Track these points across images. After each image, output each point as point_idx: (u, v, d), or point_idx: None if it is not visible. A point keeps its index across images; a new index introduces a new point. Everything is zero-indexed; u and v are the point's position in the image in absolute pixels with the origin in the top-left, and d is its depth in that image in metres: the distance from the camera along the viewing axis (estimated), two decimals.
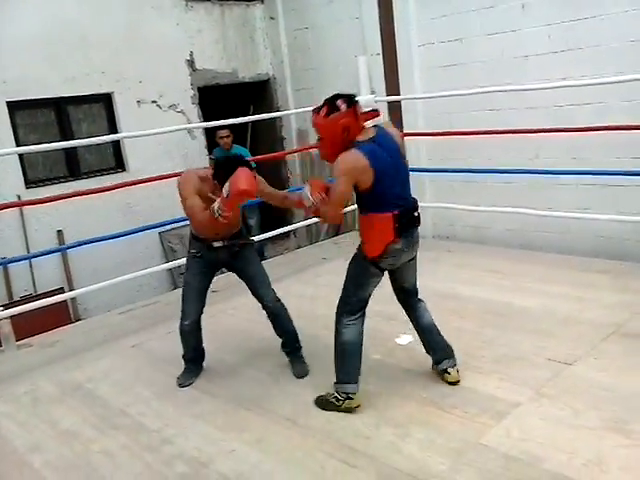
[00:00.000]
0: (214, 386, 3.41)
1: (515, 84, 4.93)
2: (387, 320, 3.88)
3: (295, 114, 7.10)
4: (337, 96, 2.75)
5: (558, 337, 3.53)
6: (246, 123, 7.49)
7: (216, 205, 2.94)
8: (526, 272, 4.62)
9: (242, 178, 2.84)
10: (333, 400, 2.98)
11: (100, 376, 3.71)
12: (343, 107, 2.71)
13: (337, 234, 6.72)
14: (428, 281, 4.53)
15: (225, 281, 4.15)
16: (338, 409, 2.96)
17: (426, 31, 5.75)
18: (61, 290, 5.98)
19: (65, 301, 5.77)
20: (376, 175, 2.72)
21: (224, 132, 6.36)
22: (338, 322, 2.99)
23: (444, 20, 5.59)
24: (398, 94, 6.03)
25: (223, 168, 3.00)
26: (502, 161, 5.21)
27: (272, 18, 7.32)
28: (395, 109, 6.11)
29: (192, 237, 3.42)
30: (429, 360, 3.25)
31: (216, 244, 3.32)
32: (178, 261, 5.04)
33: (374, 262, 2.89)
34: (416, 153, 6.01)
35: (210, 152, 6.86)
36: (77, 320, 5.84)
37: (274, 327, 3.52)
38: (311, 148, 6.93)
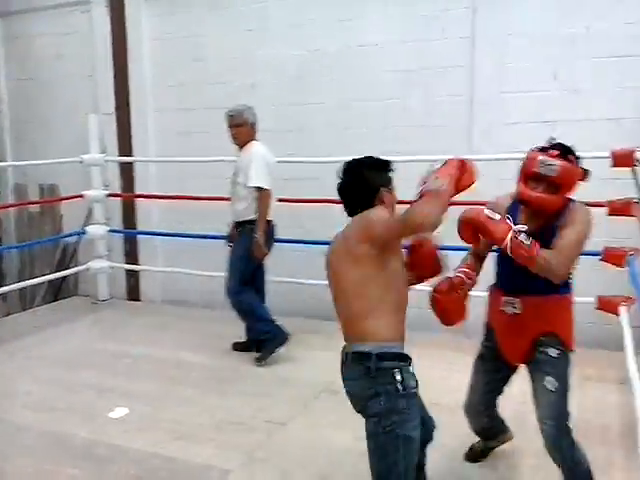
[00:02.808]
0: None
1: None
2: (99, 392, 3.59)
3: (13, 167, 6.47)
4: (566, 147, 2.29)
5: (275, 398, 3.62)
6: None
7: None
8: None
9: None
10: None
11: None
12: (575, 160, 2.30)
13: (55, 299, 6.14)
14: (155, 349, 4.43)
15: None
16: None
17: (162, 97, 5.77)
18: None
19: None
20: None
21: None
22: (572, 454, 2.35)
23: (180, 89, 5.67)
24: (131, 155, 5.89)
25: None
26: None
27: None
28: (127, 170, 5.94)
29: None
30: (148, 434, 3.01)
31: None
32: None
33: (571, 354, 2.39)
34: (147, 216, 5.89)
35: None
36: None
37: None
38: (30, 204, 6.38)
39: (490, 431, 2.79)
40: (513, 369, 2.54)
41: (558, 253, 2.17)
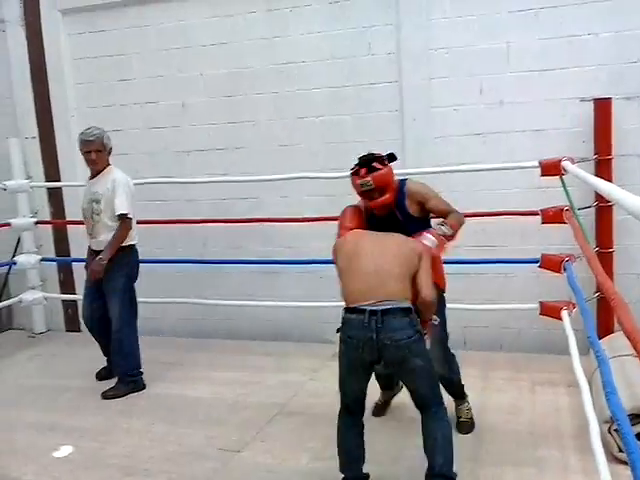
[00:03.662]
0: None
1: (178, 177, 5.09)
2: (41, 431, 3.44)
3: None
4: (368, 157, 2.89)
5: (227, 425, 3.56)
6: None
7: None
8: (196, 360, 4.63)
9: None
10: None
11: None
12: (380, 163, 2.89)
13: None
14: (98, 381, 4.28)
15: None
16: None
17: (88, 119, 5.57)
18: None
19: None
20: None
21: None
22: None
23: (105, 110, 5.52)
24: (58, 180, 5.68)
25: None
26: (171, 252, 5.25)
27: None
28: (56, 196, 5.73)
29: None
30: (95, 472, 2.92)
31: None
32: None
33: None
34: (81, 243, 5.62)
35: None
36: None
37: None
38: None
39: (387, 378, 3.40)
40: None
41: (447, 207, 2.97)
